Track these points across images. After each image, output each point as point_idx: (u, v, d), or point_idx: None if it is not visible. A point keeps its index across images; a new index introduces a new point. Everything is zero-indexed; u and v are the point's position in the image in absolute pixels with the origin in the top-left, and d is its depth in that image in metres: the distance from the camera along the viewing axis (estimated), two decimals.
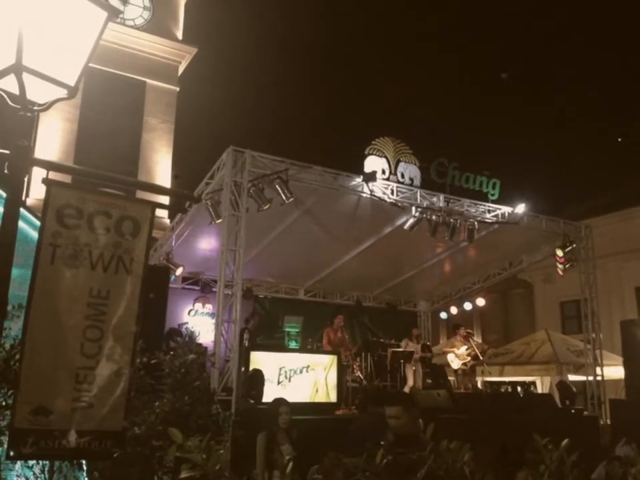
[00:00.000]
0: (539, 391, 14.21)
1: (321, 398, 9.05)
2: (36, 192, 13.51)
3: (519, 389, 14.54)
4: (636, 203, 18.25)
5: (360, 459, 1.62)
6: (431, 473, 1.62)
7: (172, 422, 3.09)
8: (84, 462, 3.89)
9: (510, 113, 32.49)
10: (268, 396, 7.83)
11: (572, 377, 12.82)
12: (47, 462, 3.75)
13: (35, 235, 3.91)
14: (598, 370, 11.49)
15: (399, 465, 1.70)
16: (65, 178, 4.95)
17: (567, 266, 11.84)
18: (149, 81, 17.04)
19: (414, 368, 11.40)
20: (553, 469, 1.63)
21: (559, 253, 11.80)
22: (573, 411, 10.29)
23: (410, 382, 11.23)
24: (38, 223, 3.93)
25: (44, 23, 2.53)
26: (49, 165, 2.88)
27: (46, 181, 2.88)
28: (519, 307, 23.17)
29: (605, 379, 11.57)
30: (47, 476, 3.84)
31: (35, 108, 2.64)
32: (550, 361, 13.55)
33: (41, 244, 2.83)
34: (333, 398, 9.17)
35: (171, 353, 4.44)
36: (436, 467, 1.62)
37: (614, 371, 12.50)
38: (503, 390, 14.27)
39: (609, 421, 10.68)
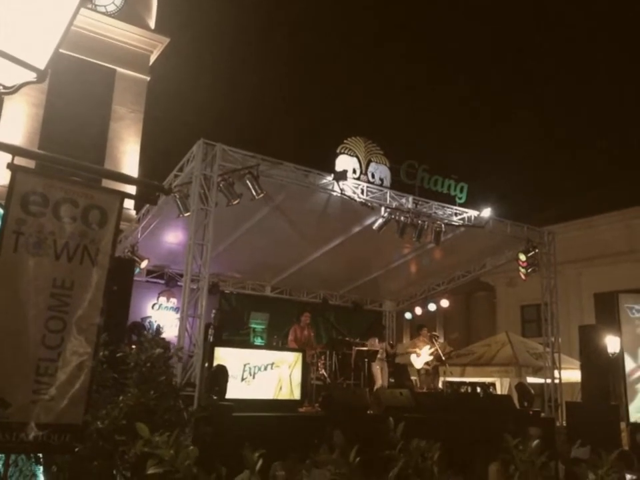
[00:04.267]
0: (498, 392, 14.47)
1: (284, 395, 9.04)
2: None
3: (478, 389, 14.79)
4: (596, 212, 18.76)
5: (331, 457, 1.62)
6: (400, 472, 1.63)
7: (137, 417, 3.03)
8: (41, 455, 3.80)
9: (480, 120, 33.03)
10: (231, 392, 7.78)
11: (530, 379, 13.11)
12: (2, 455, 3.65)
13: None
14: (556, 373, 11.76)
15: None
16: (29, 164, 4.81)
17: (529, 270, 12.07)
18: (119, 69, 16.71)
19: (380, 367, 11.50)
20: (523, 469, 1.65)
21: (522, 257, 12.03)
22: (530, 412, 10.50)
23: (379, 381, 11.31)
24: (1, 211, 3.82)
25: (13, 3, 2.45)
26: (15, 150, 2.79)
27: (11, 167, 2.80)
28: (481, 309, 23.58)
29: (562, 381, 11.85)
30: (1, 470, 3.73)
31: (2, 91, 2.56)
32: (510, 363, 13.83)
33: (4, 231, 2.75)
34: (297, 395, 9.17)
35: (133, 346, 4.36)
36: (405, 466, 1.63)
37: (571, 374, 12.83)
38: (462, 390, 14.48)
39: (564, 423, 10.95)
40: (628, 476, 5.51)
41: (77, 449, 2.79)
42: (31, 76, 2.61)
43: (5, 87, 2.60)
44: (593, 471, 1.80)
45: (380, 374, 11.44)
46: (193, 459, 1.63)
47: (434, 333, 12.58)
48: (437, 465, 1.66)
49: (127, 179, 4.58)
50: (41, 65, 2.61)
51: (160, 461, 1.61)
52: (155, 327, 7.66)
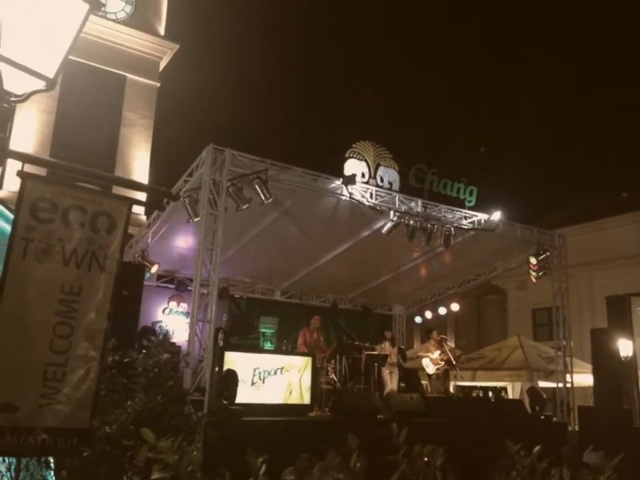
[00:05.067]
0: (510, 396, 14.37)
1: (294, 400, 9.03)
2: (10, 184, 13.27)
3: (490, 394, 14.70)
4: (607, 214, 18.61)
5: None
6: (403, 477, 1.62)
7: (144, 422, 3.05)
8: (51, 460, 3.83)
9: (489, 123, 32.92)
10: (241, 397, 7.80)
11: (542, 384, 12.99)
12: (14, 459, 3.68)
13: (7, 228, 3.83)
14: (568, 377, 11.66)
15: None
16: (41, 171, 4.87)
17: (540, 274, 12.00)
18: (129, 75, 16.85)
19: (390, 371, 11.46)
20: (525, 475, 1.64)
21: (533, 260, 11.95)
22: (542, 417, 10.43)
23: (389, 386, 11.27)
24: (11, 216, 3.86)
25: (23, 13, 2.49)
26: (24, 158, 2.83)
27: (21, 174, 2.83)
28: (492, 313, 23.43)
29: (575, 386, 11.75)
30: (12, 474, 3.77)
31: (12, 99, 2.59)
32: (521, 367, 13.72)
33: (14, 238, 2.78)
34: (307, 400, 9.16)
35: (144, 351, 4.39)
36: (409, 471, 1.62)
37: (583, 378, 12.70)
38: (474, 395, 14.39)
39: (577, 427, 10.85)
40: None
41: (85, 453, 2.81)
42: (41, 84, 2.65)
43: (15, 96, 2.64)
44: (594, 476, 1.79)
45: (390, 378, 11.41)
46: (196, 464, 1.64)
47: (443, 337, 12.52)
48: (440, 471, 1.66)
49: (135, 186, 4.61)
50: (50, 74, 2.64)
51: (165, 466, 1.62)
52: (164, 331, 7.70)
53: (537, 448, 1.77)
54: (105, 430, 3.27)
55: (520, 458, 1.67)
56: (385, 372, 11.40)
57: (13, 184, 12.82)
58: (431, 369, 11.84)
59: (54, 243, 2.88)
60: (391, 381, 11.42)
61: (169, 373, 3.82)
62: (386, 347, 11.79)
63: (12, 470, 3.81)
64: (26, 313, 2.79)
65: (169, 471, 1.61)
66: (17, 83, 2.57)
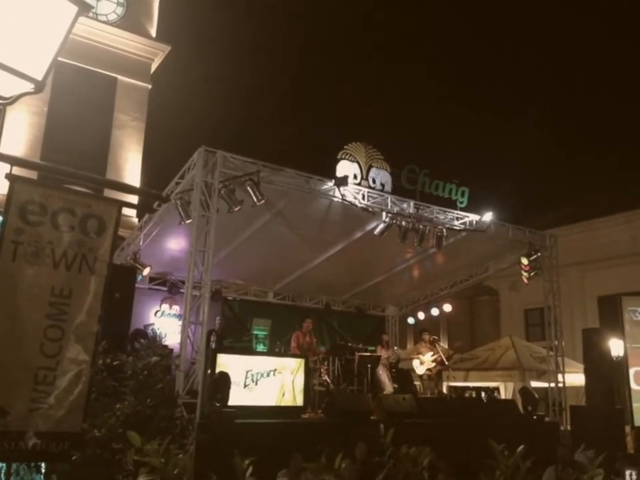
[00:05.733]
0: (502, 396, 14.42)
1: (287, 402, 9.01)
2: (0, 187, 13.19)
3: (482, 394, 14.74)
4: (598, 214, 18.70)
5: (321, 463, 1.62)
6: (389, 478, 1.63)
7: (133, 425, 3.04)
8: (42, 464, 3.81)
9: (481, 124, 33.06)
10: (234, 399, 7.78)
11: (534, 384, 13.05)
12: (4, 464, 3.66)
13: None
14: (560, 377, 11.71)
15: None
16: (32, 174, 4.85)
17: (532, 274, 12.05)
18: (120, 77, 16.81)
19: (387, 373, 11.50)
20: (508, 474, 1.65)
21: (524, 261, 12.00)
22: (534, 417, 10.47)
23: (388, 387, 11.29)
24: (0, 218, 3.84)
25: (10, 15, 2.47)
26: (13, 160, 2.82)
27: (9, 177, 2.82)
28: (485, 314, 23.50)
29: (567, 385, 11.80)
30: (3, 478, 3.74)
31: (0, 102, 2.58)
32: (513, 367, 13.77)
33: (3, 241, 2.77)
34: (300, 402, 9.14)
35: (135, 354, 4.37)
36: (395, 472, 1.63)
37: (575, 377, 12.77)
38: (467, 395, 14.43)
39: (569, 427, 10.89)
40: (627, 471, 5.52)
41: (75, 457, 2.79)
42: (29, 86, 2.64)
43: (3, 98, 2.63)
44: (578, 475, 1.80)
45: (388, 380, 11.45)
46: (182, 467, 1.63)
47: (435, 338, 12.55)
48: (428, 471, 1.66)
49: (125, 188, 4.60)
50: (39, 76, 2.63)
51: (152, 469, 1.61)
52: (157, 334, 7.67)
53: (521, 448, 1.78)
54: (95, 433, 3.25)
55: (504, 458, 1.68)
56: (383, 374, 11.44)
57: (1, 187, 12.76)
58: (420, 369, 11.86)
59: (44, 246, 2.87)
60: (389, 383, 11.45)
61: (159, 376, 3.81)
62: (384, 350, 11.83)
63: (2, 474, 3.79)
64: (16, 315, 2.77)
65: (156, 474, 1.60)
66: (4, 85, 2.56)
